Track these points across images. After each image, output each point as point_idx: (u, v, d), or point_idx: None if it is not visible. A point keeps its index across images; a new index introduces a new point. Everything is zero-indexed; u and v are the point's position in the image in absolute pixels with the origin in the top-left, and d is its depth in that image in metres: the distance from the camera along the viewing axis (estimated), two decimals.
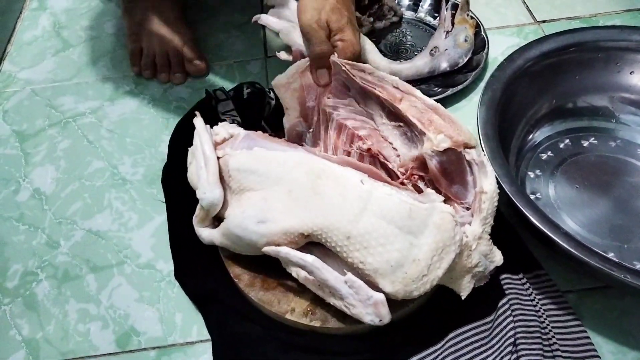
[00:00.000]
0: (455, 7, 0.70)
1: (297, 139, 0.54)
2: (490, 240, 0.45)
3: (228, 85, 0.67)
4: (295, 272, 0.45)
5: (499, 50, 0.72)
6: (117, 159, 0.63)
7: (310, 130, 0.54)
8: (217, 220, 0.49)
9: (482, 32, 0.70)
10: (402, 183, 0.48)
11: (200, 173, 0.47)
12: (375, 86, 0.48)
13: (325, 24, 0.54)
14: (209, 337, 0.49)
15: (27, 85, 0.72)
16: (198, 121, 0.51)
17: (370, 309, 0.42)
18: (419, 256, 0.41)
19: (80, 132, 0.67)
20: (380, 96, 0.47)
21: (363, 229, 0.41)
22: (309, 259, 0.43)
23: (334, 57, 0.50)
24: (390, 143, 0.49)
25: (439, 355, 0.46)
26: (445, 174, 0.45)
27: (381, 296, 0.42)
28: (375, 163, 0.50)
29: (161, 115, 0.67)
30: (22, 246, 0.57)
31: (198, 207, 0.48)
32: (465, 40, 0.67)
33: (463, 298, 0.45)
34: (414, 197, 0.42)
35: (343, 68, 0.49)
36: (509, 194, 0.46)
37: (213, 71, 0.72)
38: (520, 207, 0.45)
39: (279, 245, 0.44)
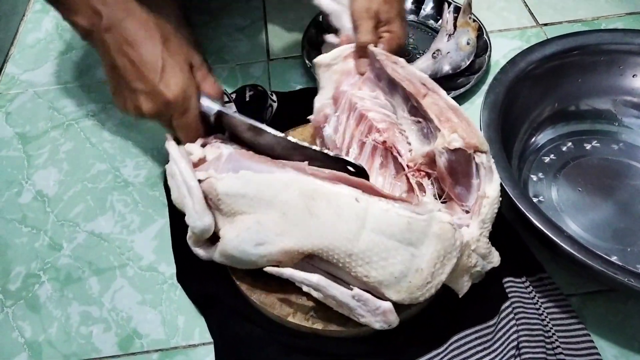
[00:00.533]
0: (457, 10, 0.71)
1: (323, 120, 0.54)
2: (489, 243, 0.45)
3: (230, 88, 0.67)
4: (298, 282, 0.45)
5: (501, 53, 0.72)
6: (120, 162, 0.63)
7: (336, 113, 0.54)
8: (210, 238, 0.48)
9: (485, 35, 0.70)
10: (407, 178, 0.48)
11: (186, 202, 0.46)
12: (403, 79, 0.49)
13: (376, 14, 0.53)
14: (211, 339, 0.49)
15: (29, 87, 0.73)
16: (171, 146, 0.48)
17: (379, 317, 0.43)
18: (421, 265, 0.41)
19: (82, 134, 0.67)
20: (407, 89, 0.48)
21: (364, 246, 0.41)
22: (314, 279, 0.43)
23: (372, 47, 0.51)
24: (406, 137, 0.50)
25: (441, 358, 0.46)
26: (452, 173, 0.45)
27: (388, 305, 0.42)
28: (387, 156, 0.51)
29: None
30: (24, 248, 0.57)
31: (190, 230, 0.47)
32: (468, 43, 0.67)
33: (460, 296, 0.46)
34: (411, 210, 0.42)
35: (378, 57, 0.50)
36: (512, 197, 0.46)
37: (215, 74, 0.72)
38: (524, 210, 0.45)
39: (279, 262, 0.44)
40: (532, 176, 0.57)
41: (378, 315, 0.43)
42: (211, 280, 0.51)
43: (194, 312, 0.51)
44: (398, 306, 0.44)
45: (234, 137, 0.52)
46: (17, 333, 0.51)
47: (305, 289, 0.46)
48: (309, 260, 0.45)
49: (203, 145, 0.50)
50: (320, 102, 0.55)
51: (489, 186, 0.44)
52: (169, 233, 0.56)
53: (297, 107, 0.61)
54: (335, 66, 0.54)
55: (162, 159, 0.63)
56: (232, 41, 0.77)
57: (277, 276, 0.49)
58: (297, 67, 0.72)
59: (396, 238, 0.41)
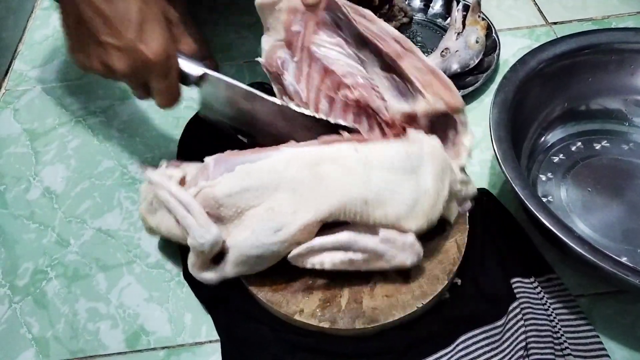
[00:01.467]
0: (466, 8, 0.70)
1: (277, 65, 0.49)
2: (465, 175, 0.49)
3: None
4: (318, 262, 0.45)
5: (510, 51, 0.72)
6: (127, 159, 0.63)
7: (294, 59, 0.49)
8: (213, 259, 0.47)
9: (493, 34, 0.70)
10: (383, 133, 0.50)
11: (187, 222, 0.44)
12: (377, 38, 0.47)
13: None
14: (217, 337, 0.49)
15: (37, 84, 0.73)
16: (152, 174, 0.46)
17: (408, 252, 0.45)
18: (427, 186, 0.44)
19: (90, 131, 0.67)
20: (382, 50, 0.47)
21: (376, 187, 0.44)
22: (344, 236, 0.44)
23: (359, 22, 0.46)
24: (379, 93, 0.48)
25: (449, 358, 0.46)
26: (432, 131, 0.48)
27: (412, 237, 0.45)
28: (360, 113, 0.49)
29: (171, 114, 0.67)
30: (32, 244, 0.57)
31: (192, 255, 0.46)
32: (477, 42, 0.67)
33: (452, 222, 0.49)
34: (402, 142, 0.46)
35: (343, 10, 0.47)
36: (522, 196, 0.46)
37: (222, 71, 0.72)
38: (533, 211, 0.45)
39: (299, 242, 0.44)
40: (541, 176, 0.57)
41: (407, 250, 0.45)
42: None
43: (201, 310, 0.51)
44: (405, 306, 0.44)
45: (208, 110, 0.48)
46: (25, 329, 0.51)
47: (327, 263, 0.45)
48: (329, 231, 0.45)
49: (177, 167, 0.49)
50: (269, 43, 0.50)
51: (465, 137, 0.48)
52: None
53: None
54: (280, 3, 0.48)
55: (170, 156, 0.63)
56: (240, 38, 0.76)
57: (284, 277, 0.49)
58: None
59: (400, 171, 0.44)
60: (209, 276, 0.47)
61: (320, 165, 0.44)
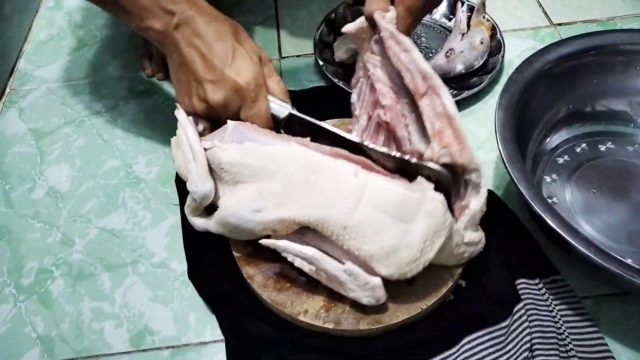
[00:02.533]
0: (471, 9, 0.70)
1: (354, 84, 0.53)
2: (479, 231, 0.47)
3: None
4: (291, 257, 0.46)
5: (514, 52, 0.72)
6: (132, 158, 0.64)
7: (362, 79, 0.52)
8: (207, 208, 0.49)
9: (498, 35, 0.70)
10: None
11: (190, 167, 0.47)
12: (403, 68, 0.46)
13: None
14: (222, 337, 0.49)
15: (42, 83, 0.73)
16: (180, 113, 0.50)
17: (368, 292, 0.45)
18: (411, 242, 0.43)
19: (95, 130, 0.67)
20: (408, 84, 0.46)
21: (358, 219, 0.43)
22: (309, 252, 0.45)
23: (378, 16, 0.47)
24: (407, 125, 0.48)
25: (454, 359, 0.46)
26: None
27: (378, 280, 0.44)
28: (390, 137, 0.50)
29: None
30: (37, 244, 0.57)
31: (189, 197, 0.49)
32: (481, 43, 0.67)
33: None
34: (405, 187, 0.44)
35: (382, 34, 0.47)
36: (527, 198, 0.46)
37: None
38: (539, 212, 0.45)
39: (275, 230, 0.46)
40: (545, 177, 0.57)
41: (367, 290, 0.44)
42: (222, 278, 0.51)
43: (206, 310, 0.51)
44: (409, 309, 0.44)
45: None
46: (29, 328, 0.51)
47: (297, 262, 0.46)
48: (302, 236, 0.46)
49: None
50: (357, 65, 0.54)
51: (474, 199, 0.45)
52: (181, 230, 0.56)
53: (309, 105, 0.60)
54: (362, 34, 0.51)
55: None
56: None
57: (288, 277, 0.49)
58: (309, 66, 0.72)
59: (390, 213, 0.43)
60: (197, 222, 0.49)
61: (316, 174, 0.44)
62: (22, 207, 0.60)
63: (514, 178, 0.47)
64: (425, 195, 0.43)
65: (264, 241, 0.46)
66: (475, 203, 0.45)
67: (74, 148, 0.65)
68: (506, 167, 0.48)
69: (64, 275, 0.54)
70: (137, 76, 0.73)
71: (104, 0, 0.51)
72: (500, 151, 0.49)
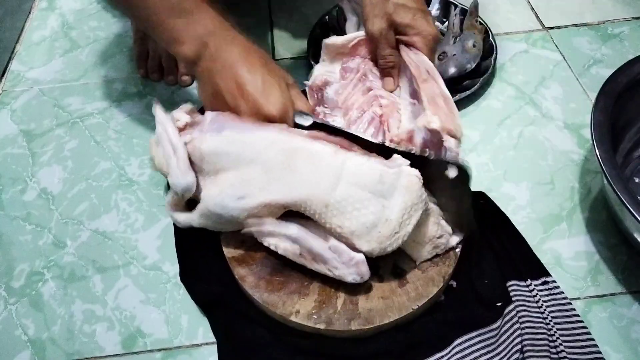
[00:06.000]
0: (463, 12, 0.71)
1: (321, 85, 0.59)
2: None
3: None
4: (273, 244, 0.47)
5: (507, 56, 0.72)
6: (124, 160, 0.63)
7: (341, 82, 0.59)
8: (188, 204, 0.50)
9: (491, 38, 0.70)
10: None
11: (170, 161, 0.48)
12: (412, 62, 0.54)
13: (392, 28, 0.55)
14: (214, 339, 0.49)
15: (35, 85, 0.73)
16: (158, 109, 0.50)
17: (352, 269, 0.45)
18: (390, 216, 0.44)
19: (87, 132, 0.67)
20: (412, 71, 0.53)
21: (339, 196, 0.44)
22: (294, 230, 0.46)
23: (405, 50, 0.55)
24: (399, 114, 0.55)
25: None
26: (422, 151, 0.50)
27: (361, 256, 0.45)
28: (379, 128, 0.55)
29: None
30: (28, 246, 0.57)
31: (170, 192, 0.49)
32: (474, 46, 0.67)
33: (417, 264, 0.49)
34: (382, 163, 0.45)
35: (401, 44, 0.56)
36: (624, 202, 0.46)
37: None
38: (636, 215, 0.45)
39: (259, 217, 0.46)
40: (634, 178, 0.58)
41: (351, 266, 0.45)
42: (214, 281, 0.51)
43: (198, 312, 0.51)
44: (401, 310, 0.44)
45: None
46: (20, 330, 0.51)
47: (281, 250, 0.47)
48: (286, 219, 0.47)
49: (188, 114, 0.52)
50: (320, 72, 0.60)
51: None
52: (173, 232, 0.56)
53: None
54: (343, 49, 0.59)
55: None
56: None
57: (280, 277, 0.49)
58: (302, 68, 0.72)
59: (369, 190, 0.44)
60: (179, 217, 0.50)
61: (295, 157, 0.45)
62: (13, 209, 0.60)
63: (608, 176, 0.47)
64: (401, 170, 0.44)
65: (247, 227, 0.47)
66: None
67: (66, 150, 0.65)
68: (601, 165, 0.48)
69: (56, 278, 0.54)
70: (130, 78, 0.73)
71: (145, 24, 0.52)
72: (595, 148, 0.49)
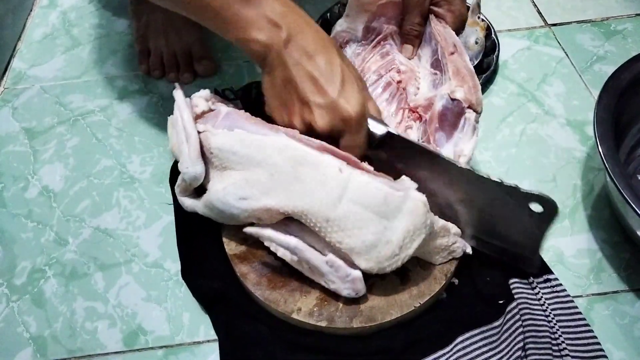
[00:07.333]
0: (466, 9, 0.70)
1: (343, 42, 0.60)
2: None
3: (237, 85, 0.67)
4: (274, 247, 0.47)
5: (509, 52, 0.72)
6: (126, 158, 0.63)
7: (361, 42, 0.60)
8: (197, 190, 0.50)
9: (493, 35, 0.70)
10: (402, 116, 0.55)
11: (182, 148, 0.48)
12: (441, 34, 0.56)
13: None
14: (216, 337, 0.49)
15: (36, 82, 0.73)
16: (178, 94, 0.50)
17: (348, 285, 0.46)
18: (392, 238, 0.43)
19: (89, 130, 0.67)
20: (440, 43, 0.55)
21: (341, 213, 0.44)
22: (292, 242, 0.46)
23: (435, 22, 0.57)
24: (419, 83, 0.56)
25: (447, 358, 0.46)
26: (441, 119, 0.51)
27: (358, 273, 0.45)
28: (396, 94, 0.56)
29: (170, 114, 0.67)
30: (30, 243, 0.57)
31: (180, 177, 0.49)
32: (476, 43, 0.67)
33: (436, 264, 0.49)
34: (389, 185, 0.44)
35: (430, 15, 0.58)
36: (627, 199, 0.46)
37: (222, 71, 0.72)
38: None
39: (259, 219, 0.46)
40: (638, 176, 0.58)
41: (347, 282, 0.45)
42: (216, 278, 0.51)
43: (199, 309, 0.51)
44: (402, 307, 0.44)
45: (394, 159, 0.49)
46: (22, 328, 0.51)
47: (280, 252, 0.47)
48: (286, 227, 0.47)
49: (207, 100, 0.51)
50: (342, 27, 0.60)
51: (467, 143, 0.48)
52: (174, 230, 0.56)
53: None
54: (370, 7, 0.59)
55: (168, 155, 0.63)
56: None
57: (282, 275, 0.49)
58: None
59: (372, 210, 0.43)
60: (186, 202, 0.51)
61: (302, 166, 0.45)
62: (15, 207, 0.60)
63: (610, 173, 0.47)
64: (407, 194, 0.43)
65: (248, 229, 0.47)
66: (467, 147, 0.47)
67: (68, 147, 0.65)
68: (603, 162, 0.48)
69: (57, 275, 0.54)
70: (131, 75, 0.72)
71: (203, 10, 0.47)
72: (597, 145, 0.49)
